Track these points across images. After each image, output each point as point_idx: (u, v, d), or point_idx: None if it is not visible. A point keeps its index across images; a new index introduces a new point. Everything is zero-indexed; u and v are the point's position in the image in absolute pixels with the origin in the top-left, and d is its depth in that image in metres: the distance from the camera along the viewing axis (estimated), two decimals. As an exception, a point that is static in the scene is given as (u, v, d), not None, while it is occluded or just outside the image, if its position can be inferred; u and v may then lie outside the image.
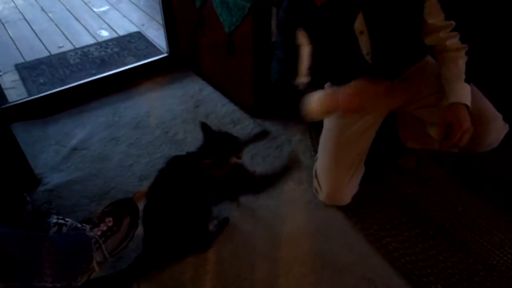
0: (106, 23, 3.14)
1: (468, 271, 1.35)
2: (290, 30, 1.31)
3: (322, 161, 1.55)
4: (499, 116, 1.30)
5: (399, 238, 1.45)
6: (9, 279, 0.83)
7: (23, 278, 0.85)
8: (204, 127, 1.36)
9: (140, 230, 1.27)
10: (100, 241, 1.05)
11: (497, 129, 1.30)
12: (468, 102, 1.21)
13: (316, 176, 1.56)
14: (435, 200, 1.61)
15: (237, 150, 1.41)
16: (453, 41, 1.27)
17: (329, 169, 1.51)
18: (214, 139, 1.36)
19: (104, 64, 2.53)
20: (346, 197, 1.52)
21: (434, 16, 1.26)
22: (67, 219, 1.37)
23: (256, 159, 1.78)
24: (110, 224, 1.08)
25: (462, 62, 1.27)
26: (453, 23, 1.25)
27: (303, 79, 1.34)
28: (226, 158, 1.36)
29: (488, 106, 1.31)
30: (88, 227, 1.10)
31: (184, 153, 1.40)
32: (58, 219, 1.37)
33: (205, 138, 1.35)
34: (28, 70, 2.47)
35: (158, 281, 1.30)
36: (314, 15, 1.27)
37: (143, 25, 3.04)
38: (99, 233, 1.06)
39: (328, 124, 1.57)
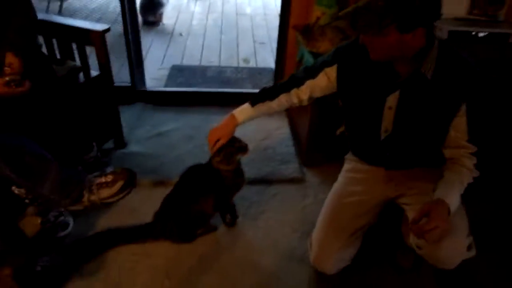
0: (255, 54, 3.72)
1: None
2: (330, 61, 1.42)
3: (318, 223, 1.60)
4: (462, 238, 1.24)
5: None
6: (23, 174, 1.31)
7: (32, 180, 1.33)
8: None
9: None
10: (95, 186, 1.47)
11: (452, 248, 1.24)
12: (452, 210, 1.21)
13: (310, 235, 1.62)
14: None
15: (243, 149, 1.60)
16: (470, 162, 1.30)
17: (320, 231, 1.56)
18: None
19: (227, 83, 3.08)
20: (331, 266, 1.51)
21: (458, 132, 1.30)
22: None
23: (277, 198, 1.99)
24: (109, 180, 1.51)
25: (466, 179, 1.29)
26: (475, 148, 1.29)
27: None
28: (232, 154, 1.58)
29: (457, 223, 1.26)
30: (97, 173, 1.55)
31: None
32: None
33: None
34: (176, 71, 3.21)
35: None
36: (362, 66, 1.34)
37: (279, 63, 3.52)
38: (97, 181, 1.49)
39: (333, 188, 1.65)
